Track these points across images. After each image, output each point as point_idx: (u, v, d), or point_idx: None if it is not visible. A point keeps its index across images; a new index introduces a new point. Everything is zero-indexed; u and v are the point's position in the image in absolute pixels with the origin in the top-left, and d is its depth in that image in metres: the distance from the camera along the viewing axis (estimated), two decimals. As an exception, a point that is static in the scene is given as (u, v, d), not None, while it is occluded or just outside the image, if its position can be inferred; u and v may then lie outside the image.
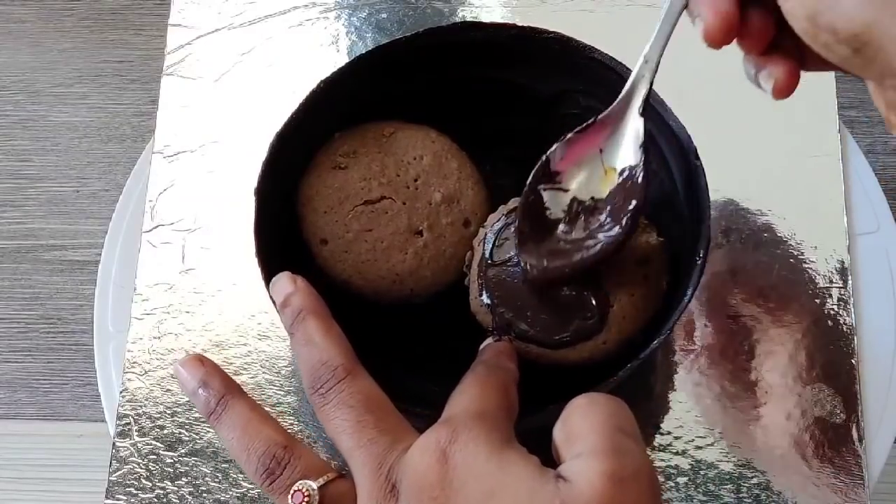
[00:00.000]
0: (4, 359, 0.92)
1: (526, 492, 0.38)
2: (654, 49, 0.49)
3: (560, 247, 0.52)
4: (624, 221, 0.50)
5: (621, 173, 0.51)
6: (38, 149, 1.00)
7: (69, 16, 1.06)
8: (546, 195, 0.53)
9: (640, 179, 0.51)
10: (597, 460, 0.38)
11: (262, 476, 0.43)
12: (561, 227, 0.52)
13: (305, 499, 0.42)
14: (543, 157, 0.52)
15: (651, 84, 0.50)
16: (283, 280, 0.49)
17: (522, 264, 0.52)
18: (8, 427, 0.91)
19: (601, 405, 0.40)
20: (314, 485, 0.42)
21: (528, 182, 0.53)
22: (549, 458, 0.40)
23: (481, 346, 0.52)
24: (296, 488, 0.42)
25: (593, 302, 0.53)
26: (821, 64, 0.44)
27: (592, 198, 0.52)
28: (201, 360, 0.47)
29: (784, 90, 0.46)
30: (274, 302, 0.52)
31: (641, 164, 0.51)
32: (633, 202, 0.50)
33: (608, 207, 0.51)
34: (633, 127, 0.51)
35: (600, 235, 0.51)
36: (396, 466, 0.41)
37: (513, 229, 0.54)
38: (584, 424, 0.40)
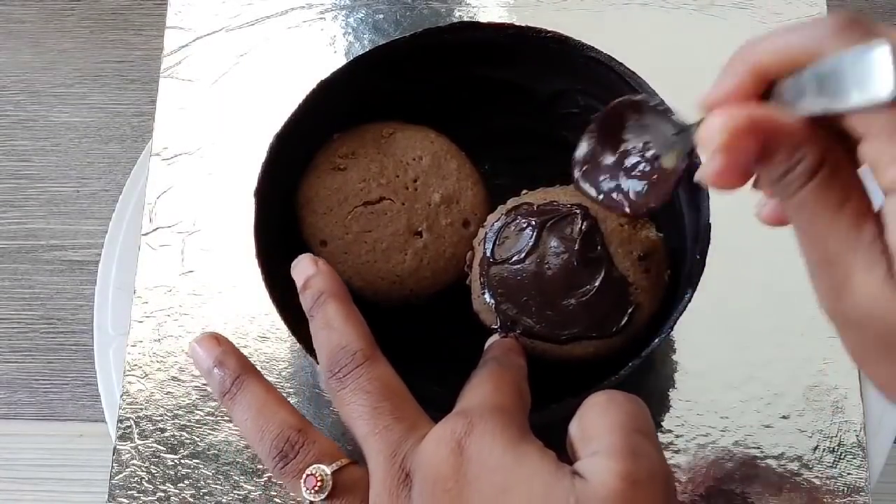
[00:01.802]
0: (4, 359, 0.92)
1: (540, 487, 0.38)
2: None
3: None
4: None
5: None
6: (38, 149, 1.00)
7: (69, 16, 1.06)
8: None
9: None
10: (613, 460, 0.38)
11: (275, 459, 0.43)
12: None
13: (318, 483, 0.41)
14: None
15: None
16: (305, 262, 0.48)
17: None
18: (8, 427, 0.91)
19: (620, 404, 0.40)
20: (327, 470, 0.42)
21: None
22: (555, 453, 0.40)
23: (488, 343, 0.52)
24: (308, 472, 0.42)
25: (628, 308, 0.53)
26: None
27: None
28: (217, 338, 0.47)
29: (768, 221, 0.44)
30: (274, 302, 0.52)
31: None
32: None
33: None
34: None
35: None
36: (411, 455, 0.40)
37: (514, 228, 0.54)
38: (601, 423, 0.40)
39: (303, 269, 0.48)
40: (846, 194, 0.36)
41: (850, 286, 0.35)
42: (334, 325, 0.45)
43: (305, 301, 0.47)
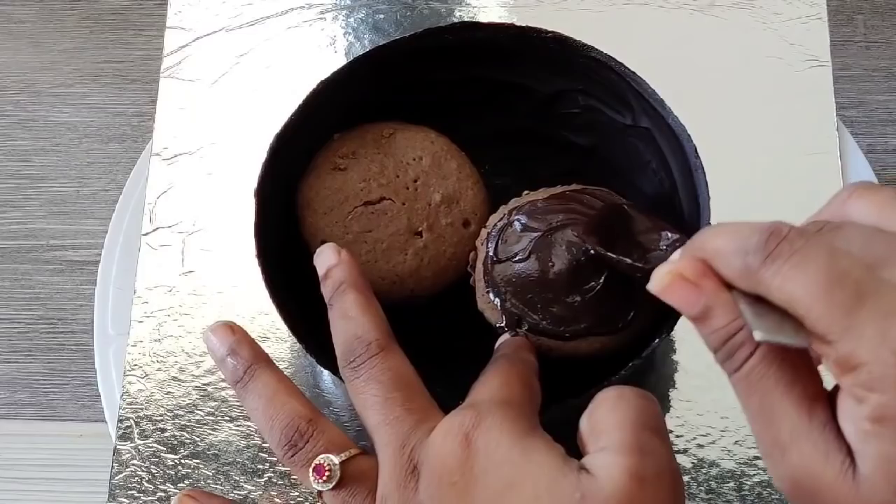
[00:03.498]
0: (4, 359, 0.93)
1: (546, 482, 0.38)
2: None
3: None
4: None
5: None
6: (38, 149, 1.00)
7: (69, 16, 1.06)
8: None
9: None
10: (621, 456, 0.38)
11: (285, 448, 0.43)
12: None
13: (326, 473, 0.42)
14: None
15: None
16: (328, 251, 0.49)
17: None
18: (8, 427, 0.91)
19: (630, 400, 0.40)
20: (336, 459, 0.42)
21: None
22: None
23: (498, 342, 0.52)
24: (317, 462, 0.42)
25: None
26: None
27: None
28: (232, 327, 0.47)
29: None
30: (274, 302, 0.52)
31: None
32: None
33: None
34: None
35: None
36: (419, 447, 0.41)
37: (517, 227, 0.54)
38: (610, 418, 0.39)
39: (325, 258, 0.48)
40: (795, 372, 0.35)
41: (808, 476, 0.34)
42: (351, 315, 0.45)
43: (326, 290, 0.47)
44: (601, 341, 0.53)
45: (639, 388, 0.42)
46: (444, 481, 0.39)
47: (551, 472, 0.38)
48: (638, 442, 0.38)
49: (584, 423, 0.41)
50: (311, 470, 0.42)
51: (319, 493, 0.42)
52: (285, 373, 0.62)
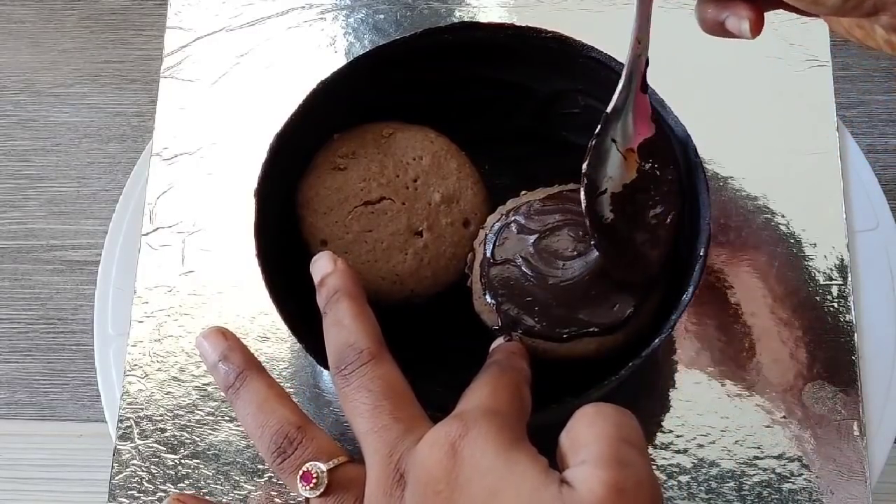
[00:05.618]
0: (4, 359, 0.93)
1: (528, 492, 0.38)
2: (644, 29, 0.50)
3: (638, 241, 0.52)
4: (669, 188, 0.52)
5: (640, 147, 0.52)
6: (38, 149, 1.00)
7: (69, 16, 1.06)
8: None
9: (662, 143, 0.52)
10: (600, 469, 0.38)
11: (273, 455, 0.43)
12: (620, 226, 0.52)
13: (314, 480, 0.42)
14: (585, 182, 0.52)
15: (648, 61, 0.51)
16: (324, 259, 0.49)
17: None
18: (8, 427, 0.91)
19: (608, 415, 0.41)
20: (323, 467, 0.42)
21: (587, 215, 0.52)
22: (551, 457, 0.41)
23: (492, 347, 0.52)
24: (305, 469, 0.42)
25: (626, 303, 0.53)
26: (778, 4, 0.46)
27: (624, 185, 0.52)
28: (224, 333, 0.48)
29: (757, 27, 0.47)
30: (274, 302, 0.52)
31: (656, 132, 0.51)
32: (670, 166, 0.52)
33: (648, 185, 0.52)
34: (641, 105, 0.51)
35: (659, 210, 0.52)
36: (407, 456, 0.41)
37: (513, 228, 0.54)
38: (589, 433, 0.40)
39: (321, 266, 0.49)
40: None
41: None
42: (344, 323, 0.46)
43: (320, 298, 0.48)
44: (597, 343, 0.53)
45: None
46: (429, 490, 0.39)
47: (533, 483, 0.38)
48: (617, 455, 0.39)
49: (563, 438, 0.41)
50: (298, 477, 0.42)
51: (307, 499, 0.42)
52: (285, 373, 0.63)
